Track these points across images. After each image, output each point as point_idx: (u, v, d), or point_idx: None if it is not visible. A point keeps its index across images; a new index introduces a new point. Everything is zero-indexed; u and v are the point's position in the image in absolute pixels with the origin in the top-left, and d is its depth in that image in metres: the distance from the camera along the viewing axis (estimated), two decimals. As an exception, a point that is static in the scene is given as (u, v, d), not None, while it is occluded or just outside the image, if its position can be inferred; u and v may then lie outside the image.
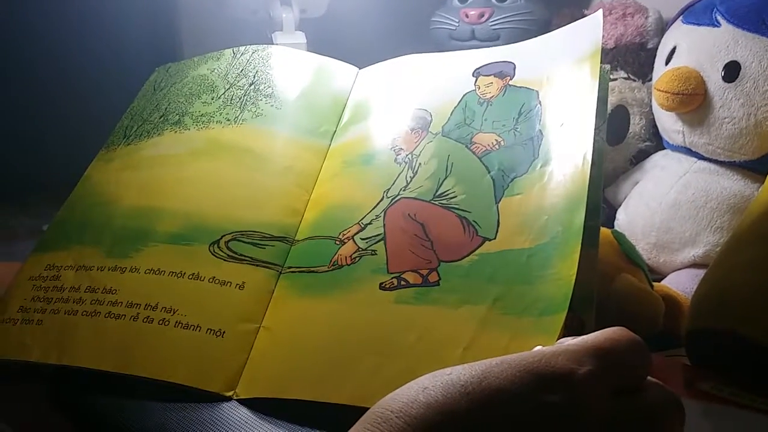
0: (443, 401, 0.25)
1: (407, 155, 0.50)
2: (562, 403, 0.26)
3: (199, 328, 0.46)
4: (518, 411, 0.26)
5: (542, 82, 0.49)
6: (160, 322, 0.46)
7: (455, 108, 0.51)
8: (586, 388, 0.27)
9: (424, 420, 0.25)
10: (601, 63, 0.47)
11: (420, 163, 0.50)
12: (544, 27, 0.85)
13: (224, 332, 0.46)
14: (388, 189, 0.49)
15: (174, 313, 0.47)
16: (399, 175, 0.50)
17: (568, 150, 0.44)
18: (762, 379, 0.44)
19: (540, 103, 0.48)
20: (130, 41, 0.80)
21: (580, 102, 0.45)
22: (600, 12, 0.50)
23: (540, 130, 0.47)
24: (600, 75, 0.46)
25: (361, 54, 0.61)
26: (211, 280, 0.48)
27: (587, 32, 0.49)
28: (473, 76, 0.53)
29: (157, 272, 0.49)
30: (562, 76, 0.48)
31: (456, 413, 0.25)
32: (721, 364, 0.46)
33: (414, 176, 0.49)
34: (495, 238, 0.43)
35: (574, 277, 0.38)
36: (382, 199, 0.49)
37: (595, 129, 0.43)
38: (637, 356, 0.29)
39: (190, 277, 0.48)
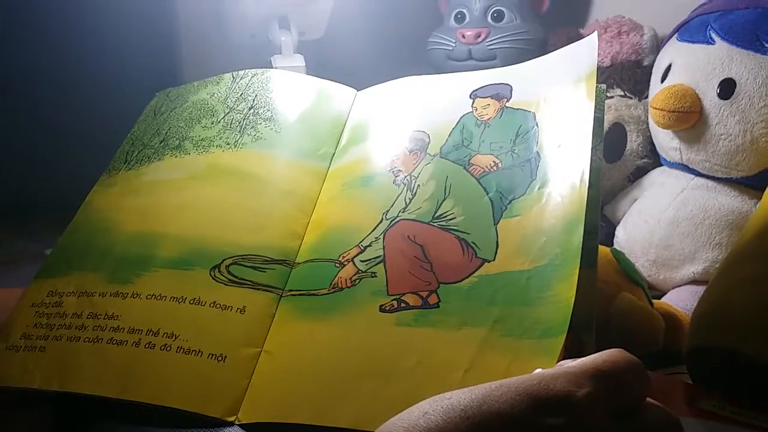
0: (444, 426, 0.26)
1: (406, 177, 0.51)
2: (561, 426, 0.26)
3: (200, 353, 0.46)
4: None
5: (539, 103, 0.49)
6: (162, 348, 0.46)
7: (453, 129, 0.52)
8: (585, 410, 0.27)
9: None
10: (597, 83, 0.47)
11: (419, 185, 0.50)
12: (540, 46, 0.85)
13: (226, 357, 0.46)
14: (387, 211, 0.49)
15: (176, 338, 0.47)
16: (398, 196, 0.50)
17: (565, 171, 0.44)
18: (764, 398, 0.44)
19: (537, 124, 0.48)
20: (131, 66, 0.81)
21: (576, 123, 0.46)
22: (595, 34, 0.50)
23: (537, 152, 0.47)
24: (596, 95, 0.46)
25: (360, 75, 0.61)
26: (212, 304, 0.48)
27: (583, 54, 0.49)
28: (470, 98, 0.53)
29: (158, 297, 0.49)
30: (559, 98, 0.49)
31: None
32: (722, 383, 0.46)
33: (413, 198, 0.49)
34: (494, 260, 0.44)
35: (573, 299, 0.38)
36: (381, 221, 0.49)
37: (591, 149, 0.44)
38: (636, 377, 0.29)
39: (192, 302, 0.48)
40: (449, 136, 0.51)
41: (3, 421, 0.51)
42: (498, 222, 0.45)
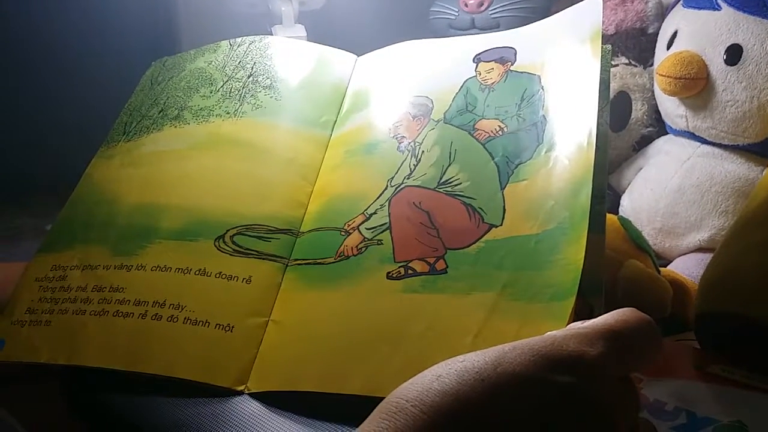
0: (458, 388, 0.25)
1: (410, 143, 0.50)
2: (574, 384, 0.26)
3: (208, 324, 0.46)
4: (533, 394, 0.26)
5: (543, 66, 0.49)
6: (169, 319, 0.46)
7: (457, 94, 0.51)
8: (597, 369, 0.27)
9: (440, 408, 0.25)
10: (602, 44, 0.46)
11: (423, 151, 0.49)
12: (544, 14, 0.83)
13: (233, 327, 0.46)
14: (392, 178, 0.49)
15: (182, 309, 0.47)
16: (402, 163, 0.49)
17: (572, 133, 0.44)
18: (772, 361, 0.44)
19: (542, 87, 0.48)
20: (130, 36, 0.80)
21: (582, 83, 0.45)
22: None
23: (543, 115, 0.46)
24: (602, 56, 0.46)
25: (361, 45, 0.60)
26: (217, 275, 0.48)
27: (587, 14, 0.48)
28: (474, 62, 0.52)
29: (163, 269, 0.49)
30: (563, 59, 0.48)
31: (472, 400, 0.25)
32: (730, 347, 0.46)
33: (417, 164, 0.49)
34: (501, 225, 0.43)
35: (582, 261, 0.38)
36: (386, 188, 0.48)
37: (598, 110, 0.43)
38: (648, 337, 0.29)
39: (197, 272, 0.48)
40: (453, 101, 0.51)
41: (11, 396, 0.51)
42: (505, 187, 0.45)
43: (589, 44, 0.46)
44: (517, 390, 0.25)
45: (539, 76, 0.48)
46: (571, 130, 0.44)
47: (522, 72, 0.50)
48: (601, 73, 0.44)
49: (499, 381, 0.25)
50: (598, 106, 0.43)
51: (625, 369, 0.28)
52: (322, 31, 0.82)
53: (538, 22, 0.53)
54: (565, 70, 0.47)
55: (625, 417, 0.27)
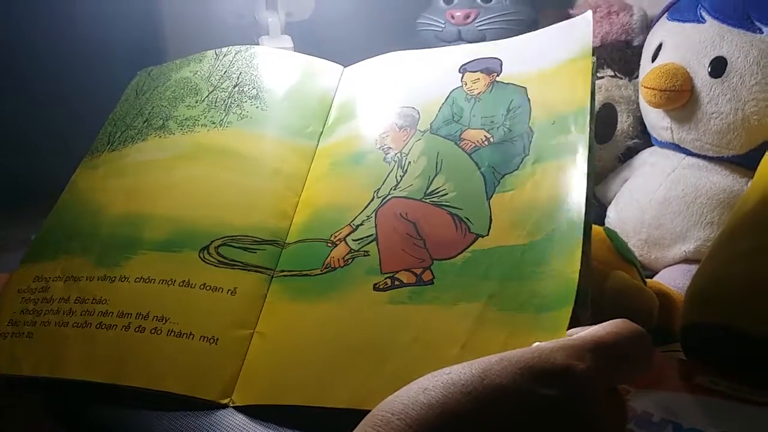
0: (444, 401, 0.25)
1: (396, 154, 0.50)
2: (561, 397, 0.26)
3: (192, 336, 0.45)
4: (519, 407, 0.25)
5: (530, 79, 0.49)
6: (152, 331, 0.46)
7: (443, 105, 0.51)
8: (585, 382, 0.26)
9: (426, 421, 0.25)
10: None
11: (409, 162, 0.49)
12: (531, 27, 0.85)
13: (218, 339, 0.45)
14: (378, 189, 0.49)
15: (166, 321, 0.46)
16: (389, 174, 0.49)
17: (562, 147, 0.44)
18: (758, 372, 0.44)
19: (529, 100, 0.48)
20: (116, 47, 0.79)
21: (572, 100, 0.45)
22: (590, 12, 0.50)
23: (530, 127, 0.46)
24: (591, 73, 0.46)
25: (348, 56, 0.60)
26: (202, 286, 0.47)
27: (577, 32, 0.49)
28: (459, 72, 0.52)
29: (147, 281, 0.48)
30: (553, 74, 0.48)
31: (458, 413, 0.25)
32: (716, 358, 0.46)
33: (404, 175, 0.49)
34: (488, 235, 0.43)
35: (577, 272, 0.38)
36: (372, 199, 0.48)
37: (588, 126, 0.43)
38: (640, 349, 0.29)
39: (181, 284, 0.48)
40: (439, 111, 0.51)
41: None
42: (491, 197, 0.45)
43: (580, 62, 0.47)
44: (504, 403, 0.25)
45: (526, 89, 0.48)
46: (561, 144, 0.44)
47: (508, 83, 0.50)
48: (591, 89, 0.44)
49: (485, 393, 0.25)
50: (590, 120, 0.43)
51: (615, 381, 0.28)
52: (309, 42, 0.82)
53: (524, 35, 0.53)
54: (555, 86, 0.47)
55: (612, 429, 0.27)
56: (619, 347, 0.28)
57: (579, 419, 0.26)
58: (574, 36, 0.49)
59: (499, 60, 0.51)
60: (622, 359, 0.28)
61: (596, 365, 0.27)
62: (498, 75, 0.50)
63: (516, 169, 0.45)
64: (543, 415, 0.25)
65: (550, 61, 0.49)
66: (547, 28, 0.52)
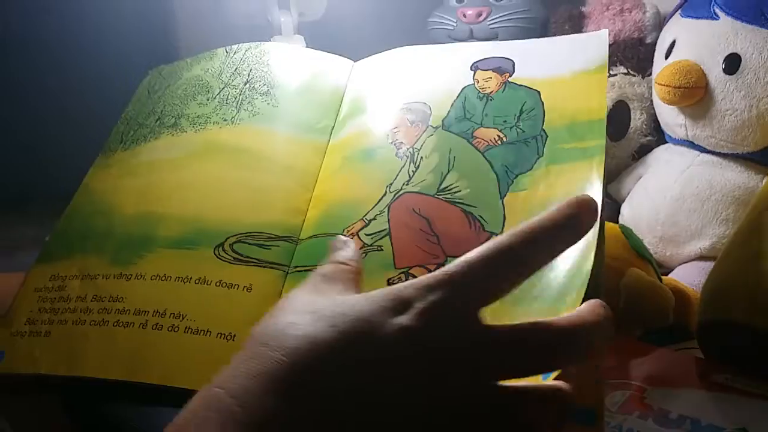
0: (312, 333, 0.28)
1: (408, 149, 0.50)
2: (411, 326, 0.27)
3: (209, 333, 0.46)
4: (375, 338, 0.28)
5: (544, 84, 0.49)
6: (170, 329, 0.46)
7: (455, 101, 0.51)
8: (431, 312, 0.28)
9: (297, 350, 0.27)
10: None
11: (422, 157, 0.49)
12: (542, 24, 0.85)
13: (235, 336, 0.45)
14: (391, 184, 0.49)
15: (183, 318, 0.46)
16: (401, 169, 0.49)
17: (577, 153, 0.44)
18: (776, 369, 0.43)
19: (543, 104, 0.48)
20: (128, 48, 0.80)
21: (588, 110, 0.46)
22: (606, 31, 0.50)
23: (544, 130, 0.47)
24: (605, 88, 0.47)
25: (360, 55, 0.60)
26: (218, 283, 0.48)
27: (593, 46, 0.49)
28: (471, 69, 0.52)
29: (163, 278, 0.49)
30: (567, 83, 0.48)
31: (324, 343, 0.27)
32: (733, 355, 0.46)
33: (416, 170, 0.49)
34: (501, 233, 0.43)
35: (589, 269, 0.38)
36: (385, 194, 0.48)
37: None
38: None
39: (197, 281, 0.48)
40: (451, 107, 0.51)
41: (12, 408, 0.50)
42: (504, 196, 0.45)
43: (596, 75, 0.47)
44: (362, 333, 0.28)
45: (539, 92, 0.49)
46: (574, 148, 0.44)
47: (521, 85, 0.50)
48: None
49: (346, 327, 0.28)
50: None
51: (471, 310, 0.28)
52: (322, 41, 0.82)
53: (537, 40, 0.54)
54: (570, 94, 0.48)
55: (465, 365, 0.28)
56: (468, 277, 0.29)
57: (423, 346, 0.27)
58: (590, 50, 0.49)
59: (512, 60, 0.51)
60: (474, 287, 0.29)
61: (445, 296, 0.28)
62: (510, 75, 0.50)
63: (530, 169, 0.45)
64: (393, 343, 0.27)
65: (564, 70, 0.49)
66: (561, 37, 0.53)
